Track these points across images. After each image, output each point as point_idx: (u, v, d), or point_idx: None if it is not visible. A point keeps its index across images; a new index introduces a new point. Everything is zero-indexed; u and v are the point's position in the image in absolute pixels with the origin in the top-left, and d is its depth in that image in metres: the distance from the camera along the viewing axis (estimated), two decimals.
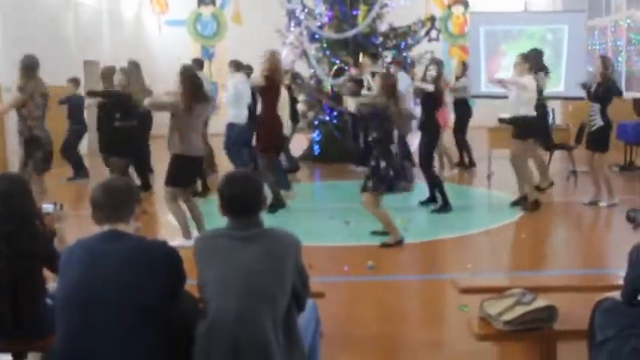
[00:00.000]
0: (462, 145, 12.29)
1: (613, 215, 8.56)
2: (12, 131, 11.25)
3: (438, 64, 9.04)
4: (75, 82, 12.17)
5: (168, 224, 8.27)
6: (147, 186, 10.00)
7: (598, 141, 8.71)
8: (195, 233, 6.99)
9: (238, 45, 17.48)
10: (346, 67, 12.46)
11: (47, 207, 4.02)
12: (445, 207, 8.61)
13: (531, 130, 8.74)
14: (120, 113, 8.58)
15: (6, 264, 3.61)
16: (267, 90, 8.50)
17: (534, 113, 8.67)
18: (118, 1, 19.39)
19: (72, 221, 6.17)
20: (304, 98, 13.20)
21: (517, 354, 4.04)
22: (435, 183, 8.80)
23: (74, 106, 11.91)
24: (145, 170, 10.11)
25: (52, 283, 3.75)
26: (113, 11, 18.80)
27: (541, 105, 9.24)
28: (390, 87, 7.03)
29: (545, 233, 8.05)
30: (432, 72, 8.73)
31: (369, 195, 7.00)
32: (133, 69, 9.02)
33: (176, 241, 6.63)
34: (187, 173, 7.09)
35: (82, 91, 12.26)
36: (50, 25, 14.60)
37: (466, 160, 12.32)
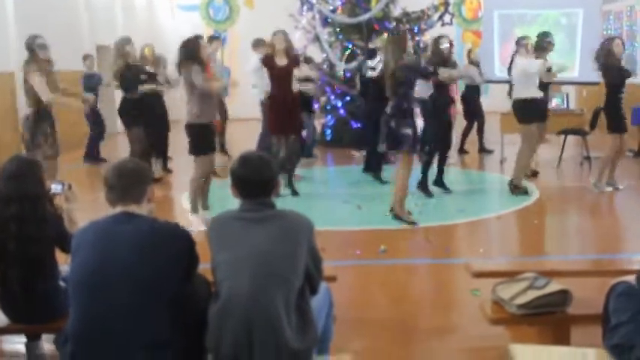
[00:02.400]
0: (479, 131, 12.21)
1: (626, 200, 8.50)
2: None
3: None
4: (90, 58, 12.25)
5: (184, 208, 8.31)
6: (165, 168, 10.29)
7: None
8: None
9: (251, 29, 17.39)
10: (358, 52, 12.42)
11: (56, 187, 4.01)
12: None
13: (533, 113, 8.66)
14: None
15: (15, 245, 3.64)
16: (270, 70, 8.59)
17: (536, 95, 8.61)
18: None
19: (87, 205, 6.23)
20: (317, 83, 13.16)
21: (530, 338, 4.03)
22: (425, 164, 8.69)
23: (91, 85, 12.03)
24: (164, 151, 10.34)
25: (64, 265, 3.76)
26: None
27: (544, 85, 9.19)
28: (403, 47, 7.06)
29: (558, 218, 8.00)
30: (445, 44, 8.62)
31: (404, 156, 7.13)
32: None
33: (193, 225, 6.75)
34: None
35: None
36: (63, 10, 14.59)
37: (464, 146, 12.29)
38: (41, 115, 7.21)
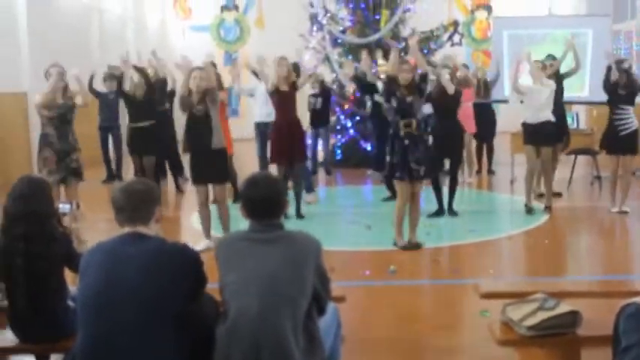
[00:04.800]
0: (488, 151, 12.17)
1: (637, 220, 8.45)
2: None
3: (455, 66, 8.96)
4: (112, 77, 12.22)
5: (193, 228, 8.32)
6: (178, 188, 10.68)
7: (633, 144, 8.58)
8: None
9: (261, 50, 17.48)
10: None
11: (64, 207, 4.03)
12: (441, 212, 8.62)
13: (525, 135, 8.83)
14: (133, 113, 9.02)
15: (23, 262, 3.65)
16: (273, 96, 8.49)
17: (525, 119, 8.76)
18: (142, 7, 19.55)
19: (102, 225, 6.25)
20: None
21: None
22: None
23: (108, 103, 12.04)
24: (175, 172, 10.50)
25: (72, 286, 3.77)
26: (138, 17, 18.95)
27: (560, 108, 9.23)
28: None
29: (568, 239, 7.97)
30: (446, 75, 8.63)
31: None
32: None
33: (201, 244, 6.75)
34: None
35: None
36: (76, 32, 14.73)
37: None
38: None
